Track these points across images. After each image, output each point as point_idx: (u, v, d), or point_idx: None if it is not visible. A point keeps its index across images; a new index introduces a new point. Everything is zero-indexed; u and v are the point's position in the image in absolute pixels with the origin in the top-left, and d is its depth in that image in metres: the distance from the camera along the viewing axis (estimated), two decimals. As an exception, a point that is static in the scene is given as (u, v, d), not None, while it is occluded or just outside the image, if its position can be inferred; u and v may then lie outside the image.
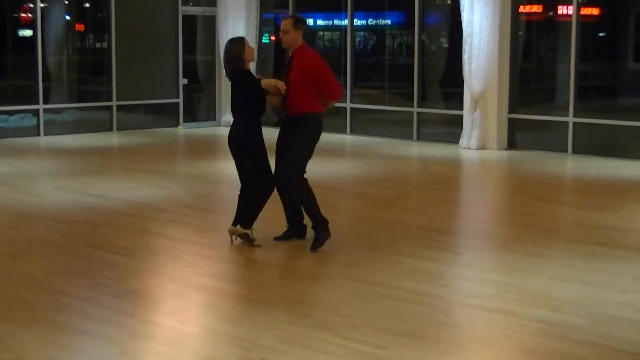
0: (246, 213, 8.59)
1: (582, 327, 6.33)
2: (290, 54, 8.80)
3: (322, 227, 8.52)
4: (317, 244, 8.46)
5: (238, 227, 8.53)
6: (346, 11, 19.00)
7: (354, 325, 6.33)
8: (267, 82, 8.45)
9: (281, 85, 8.40)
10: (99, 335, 6.13)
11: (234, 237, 8.59)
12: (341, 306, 6.88)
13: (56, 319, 6.44)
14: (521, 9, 16.99)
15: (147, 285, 7.55)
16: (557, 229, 9.94)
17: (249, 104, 8.44)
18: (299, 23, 8.73)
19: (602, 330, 6.28)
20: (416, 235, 9.17)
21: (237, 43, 8.56)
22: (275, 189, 8.61)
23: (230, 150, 8.61)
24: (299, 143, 8.57)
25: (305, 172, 8.62)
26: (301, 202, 8.64)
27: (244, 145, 8.48)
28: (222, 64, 8.74)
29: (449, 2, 18.21)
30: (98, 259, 8.27)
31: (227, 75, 8.67)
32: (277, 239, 8.78)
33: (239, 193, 8.73)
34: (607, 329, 6.32)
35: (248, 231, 8.52)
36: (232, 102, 8.56)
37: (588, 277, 7.70)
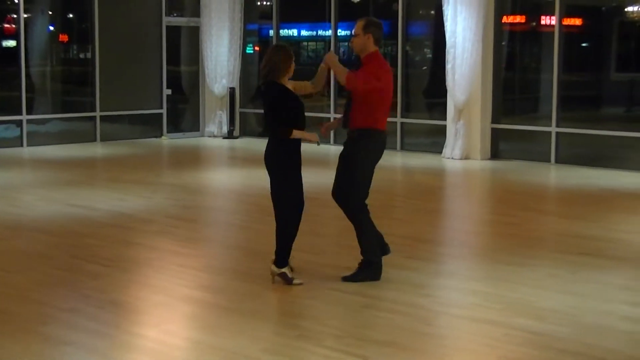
0: (277, 250, 7.78)
1: (566, 336, 6.36)
2: (360, 60, 7.95)
3: (369, 267, 7.92)
4: (351, 277, 7.84)
5: (273, 267, 7.75)
6: (330, 21, 19.04)
7: (337, 335, 6.35)
8: (299, 134, 7.59)
9: (313, 137, 7.66)
10: (83, 347, 6.12)
11: (275, 278, 7.78)
12: (325, 316, 6.89)
13: (40, 330, 6.43)
14: (504, 19, 17.06)
15: (132, 296, 7.54)
16: (541, 238, 9.97)
17: (276, 122, 7.60)
18: (370, 27, 7.89)
19: (586, 340, 6.31)
20: (400, 245, 9.16)
21: (280, 52, 7.63)
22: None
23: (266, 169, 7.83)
24: (358, 164, 7.84)
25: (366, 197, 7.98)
26: (359, 231, 7.89)
27: (271, 165, 7.69)
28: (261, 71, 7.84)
29: (432, 12, 18.27)
30: (82, 270, 8.25)
31: (262, 83, 7.78)
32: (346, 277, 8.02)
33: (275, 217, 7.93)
34: (591, 339, 6.34)
35: (285, 270, 7.73)
36: (264, 115, 7.78)
37: (572, 286, 7.73)
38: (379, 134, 7.93)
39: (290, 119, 7.57)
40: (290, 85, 7.72)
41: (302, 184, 7.72)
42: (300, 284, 7.71)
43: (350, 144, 7.93)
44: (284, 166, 7.65)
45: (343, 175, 7.89)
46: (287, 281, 7.71)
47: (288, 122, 7.55)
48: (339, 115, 8.33)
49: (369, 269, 7.89)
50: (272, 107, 7.62)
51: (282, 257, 7.74)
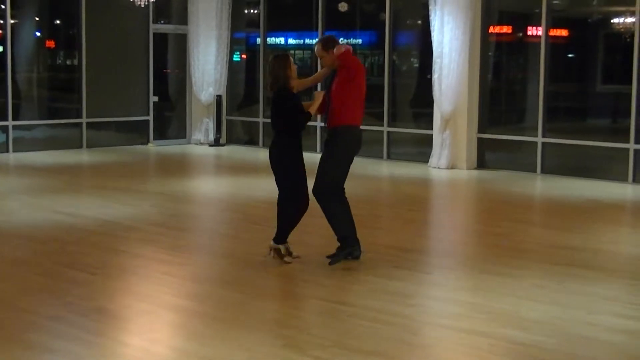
0: (280, 228, 8.72)
1: (552, 347, 6.36)
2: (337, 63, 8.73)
3: (346, 243, 8.69)
4: (333, 259, 8.63)
5: (271, 242, 8.75)
6: (317, 30, 19.06)
7: (323, 345, 6.33)
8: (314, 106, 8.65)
9: (320, 95, 8.67)
10: (67, 355, 6.09)
11: (271, 252, 8.77)
12: (311, 326, 6.89)
13: (24, 338, 6.39)
14: (491, 29, 17.11)
15: (117, 304, 7.51)
16: (526, 249, 9.97)
17: (290, 124, 8.57)
18: (328, 43, 8.70)
19: (571, 351, 6.31)
20: (386, 255, 9.18)
21: (281, 61, 8.59)
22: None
23: (270, 165, 8.73)
24: (331, 155, 8.67)
25: (342, 186, 8.73)
26: (328, 215, 8.71)
27: (281, 162, 8.63)
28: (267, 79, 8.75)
29: (419, 22, 18.31)
30: (67, 277, 8.22)
31: (269, 92, 8.74)
32: (329, 256, 8.80)
33: (277, 202, 8.83)
34: (576, 349, 6.35)
35: (280, 246, 8.68)
36: (272, 118, 8.68)
37: (557, 297, 7.74)
38: (353, 129, 8.70)
39: (302, 111, 8.54)
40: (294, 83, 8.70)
41: (304, 181, 8.61)
42: (290, 262, 8.60)
43: (328, 141, 8.77)
44: (285, 163, 8.59)
45: (319, 167, 8.71)
46: (280, 256, 8.64)
47: (303, 112, 8.51)
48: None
49: (347, 246, 8.66)
50: (288, 109, 8.53)
51: (280, 235, 8.69)
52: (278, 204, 8.77)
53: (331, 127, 8.70)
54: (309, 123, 8.73)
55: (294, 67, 8.61)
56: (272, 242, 8.74)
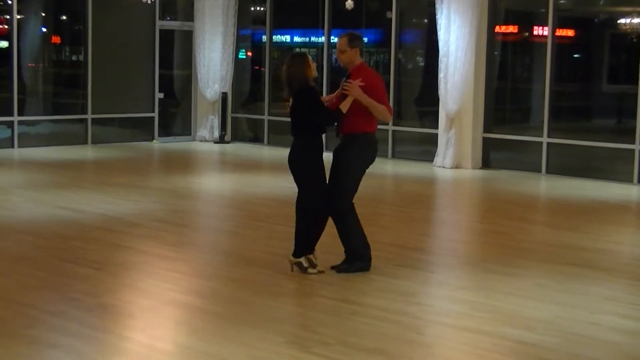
0: (300, 241, 8.26)
1: (554, 346, 6.36)
2: (348, 71, 8.35)
3: (360, 258, 8.39)
4: (343, 268, 8.35)
5: (290, 256, 8.28)
6: (323, 28, 19.05)
7: (325, 342, 6.33)
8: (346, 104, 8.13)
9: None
10: (70, 350, 6.09)
11: (292, 266, 8.32)
12: (313, 323, 6.88)
13: (27, 334, 6.40)
14: (497, 29, 17.09)
15: (119, 300, 7.51)
16: (530, 248, 9.97)
17: (313, 124, 8.10)
18: (355, 41, 8.33)
19: (573, 350, 6.31)
20: (389, 253, 9.17)
21: (299, 61, 8.13)
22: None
23: (291, 171, 8.27)
24: (348, 167, 8.27)
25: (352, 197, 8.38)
26: (347, 234, 8.35)
27: (303, 167, 8.15)
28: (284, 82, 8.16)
29: (425, 21, 18.30)
30: (70, 272, 8.23)
31: (286, 93, 8.19)
32: (334, 268, 8.43)
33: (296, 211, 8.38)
34: (578, 349, 6.35)
35: (301, 259, 8.22)
36: (292, 120, 8.18)
37: (559, 296, 7.73)
38: (369, 137, 8.40)
39: (325, 107, 8.17)
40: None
41: (325, 188, 8.19)
42: (316, 273, 8.18)
43: (341, 149, 8.33)
44: (307, 168, 8.12)
45: (333, 176, 8.28)
46: (302, 270, 8.19)
47: (329, 109, 8.15)
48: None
49: (360, 261, 8.37)
50: (310, 106, 8.06)
51: (300, 249, 8.22)
52: (298, 212, 8.31)
53: (345, 133, 8.31)
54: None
55: (313, 65, 8.12)
56: (291, 257, 8.27)
